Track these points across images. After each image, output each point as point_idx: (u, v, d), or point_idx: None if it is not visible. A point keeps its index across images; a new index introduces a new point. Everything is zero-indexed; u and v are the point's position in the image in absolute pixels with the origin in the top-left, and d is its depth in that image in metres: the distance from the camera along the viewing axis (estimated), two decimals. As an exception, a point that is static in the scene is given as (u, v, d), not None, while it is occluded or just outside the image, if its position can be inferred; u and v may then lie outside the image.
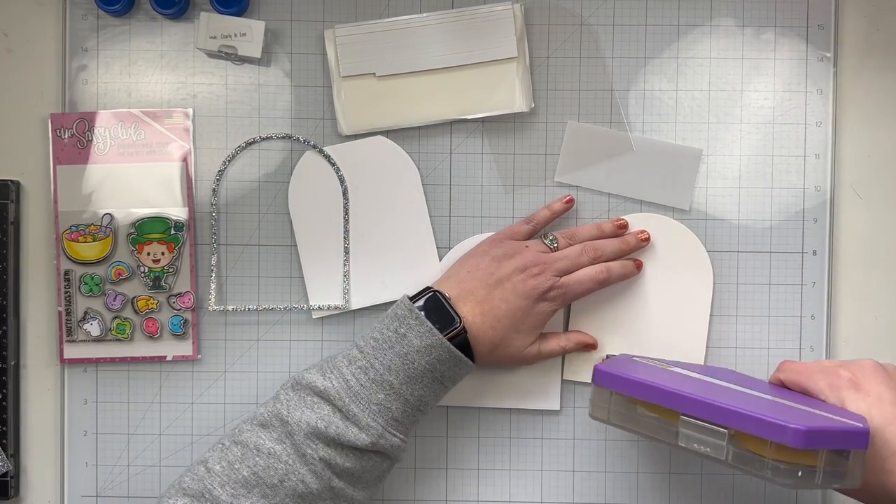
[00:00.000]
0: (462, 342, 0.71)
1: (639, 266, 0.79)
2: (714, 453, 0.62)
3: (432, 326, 0.70)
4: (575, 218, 0.81)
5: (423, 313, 0.70)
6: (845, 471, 0.61)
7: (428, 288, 0.73)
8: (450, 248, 0.81)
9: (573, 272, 0.75)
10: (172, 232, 0.80)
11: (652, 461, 0.81)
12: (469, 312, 0.72)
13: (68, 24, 0.80)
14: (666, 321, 0.80)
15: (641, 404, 0.66)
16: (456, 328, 0.70)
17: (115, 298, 0.79)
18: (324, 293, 0.80)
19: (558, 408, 0.80)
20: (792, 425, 0.58)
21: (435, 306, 0.72)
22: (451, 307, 0.71)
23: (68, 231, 0.79)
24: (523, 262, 0.73)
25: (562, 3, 0.80)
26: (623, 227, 0.79)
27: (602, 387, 0.68)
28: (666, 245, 0.80)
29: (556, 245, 0.76)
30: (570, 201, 0.79)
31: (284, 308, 0.81)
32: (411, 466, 0.81)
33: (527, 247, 0.75)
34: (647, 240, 0.79)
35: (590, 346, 0.79)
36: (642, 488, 0.81)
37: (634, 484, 0.81)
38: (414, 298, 0.72)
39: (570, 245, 0.76)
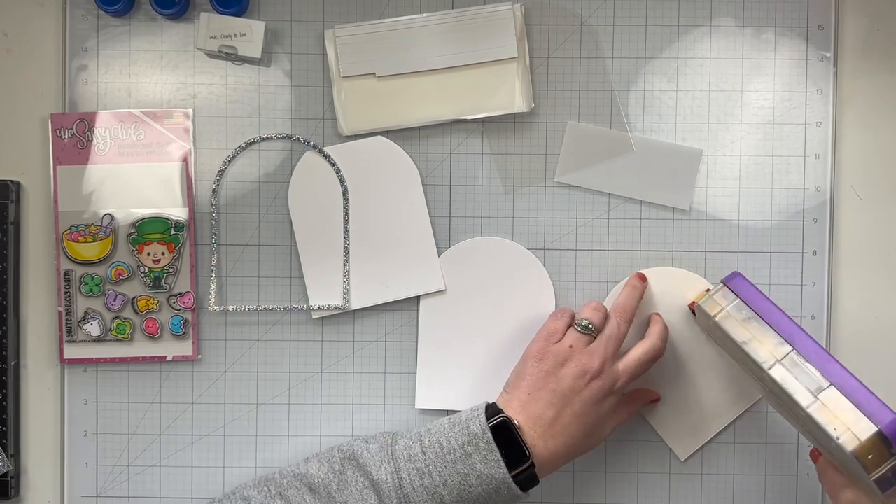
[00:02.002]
0: (528, 477, 0.69)
1: (659, 314, 0.79)
2: (799, 399, 0.64)
3: (500, 458, 0.67)
4: (575, 218, 0.81)
5: (493, 440, 0.68)
6: (893, 489, 0.62)
7: (497, 408, 0.71)
8: (449, 249, 0.81)
9: (625, 354, 0.74)
10: (172, 232, 0.80)
11: (652, 461, 0.81)
12: (539, 441, 0.69)
13: (68, 24, 0.80)
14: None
15: (756, 325, 0.68)
16: (524, 466, 0.68)
17: (116, 298, 0.79)
18: (324, 293, 0.80)
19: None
20: (894, 415, 0.61)
21: (505, 434, 0.69)
22: (521, 439, 0.69)
23: (68, 231, 0.79)
24: (579, 367, 0.71)
25: (562, 3, 0.80)
26: (643, 281, 0.79)
27: (729, 289, 0.70)
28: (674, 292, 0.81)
29: (591, 328, 0.74)
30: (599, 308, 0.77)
31: (284, 308, 0.81)
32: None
33: (570, 346, 0.73)
34: (644, 278, 0.79)
35: (655, 401, 0.79)
36: (642, 488, 0.81)
37: (634, 484, 0.81)
38: (488, 416, 0.69)
39: (602, 317, 0.75)
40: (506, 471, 0.68)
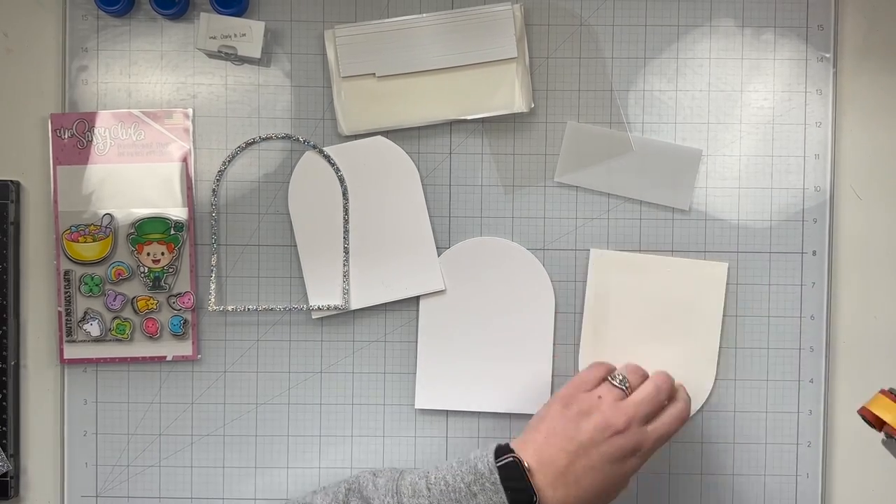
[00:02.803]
0: None
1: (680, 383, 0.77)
2: None
3: (506, 500, 0.65)
4: (575, 218, 0.81)
5: (499, 480, 0.66)
6: None
7: (508, 448, 0.69)
8: (449, 249, 0.81)
9: (656, 418, 0.71)
10: (172, 232, 0.80)
11: (652, 461, 0.81)
12: (549, 488, 0.67)
13: (68, 25, 0.80)
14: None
15: None
16: None
17: (115, 298, 0.79)
18: (324, 293, 0.80)
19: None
20: None
21: (513, 475, 0.66)
22: (530, 481, 0.66)
23: (68, 231, 0.79)
24: (604, 420, 0.68)
25: (562, 3, 0.80)
26: (671, 387, 0.76)
27: None
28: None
29: (627, 385, 0.71)
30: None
31: (284, 308, 0.81)
32: (411, 467, 0.81)
33: (600, 397, 0.70)
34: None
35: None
36: (642, 488, 0.81)
37: (634, 484, 0.81)
38: (497, 455, 0.68)
39: (639, 379, 0.72)
40: None
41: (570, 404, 0.70)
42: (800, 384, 0.81)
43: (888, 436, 0.67)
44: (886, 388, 0.68)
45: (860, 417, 0.70)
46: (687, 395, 0.76)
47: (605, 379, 0.73)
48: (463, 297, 0.80)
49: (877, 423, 0.68)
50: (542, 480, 0.67)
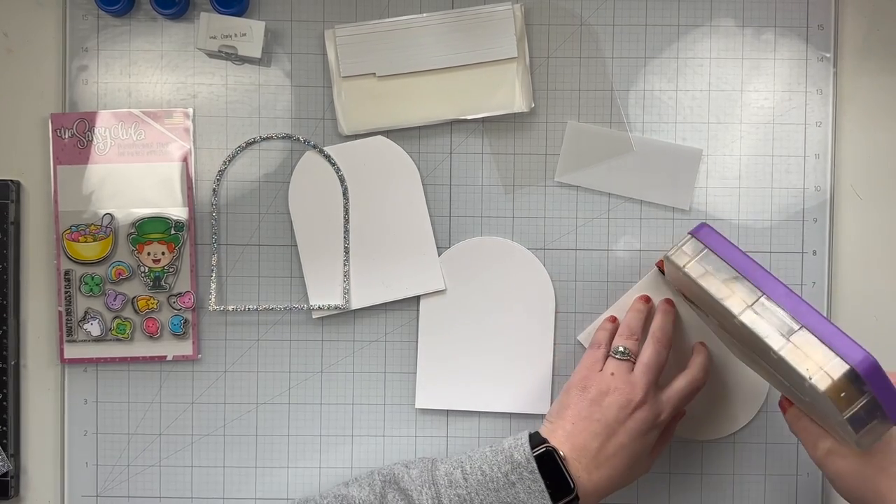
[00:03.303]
0: None
1: (703, 344, 0.79)
2: (771, 342, 0.63)
3: (545, 488, 0.67)
4: (574, 218, 0.81)
5: (537, 469, 0.67)
6: (866, 429, 0.61)
7: (541, 437, 0.70)
8: (449, 249, 0.81)
9: (668, 385, 0.73)
10: (173, 232, 0.80)
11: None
12: (584, 472, 0.69)
13: (68, 25, 0.80)
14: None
15: (725, 272, 0.67)
16: (568, 498, 0.67)
17: (116, 298, 0.79)
18: (324, 293, 0.80)
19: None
20: (865, 352, 0.60)
21: (549, 464, 0.68)
22: (567, 470, 0.68)
23: (68, 231, 0.79)
24: (623, 398, 0.70)
25: (562, 3, 0.80)
26: (649, 301, 0.79)
27: (697, 240, 0.69)
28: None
29: (628, 353, 0.73)
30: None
31: (284, 308, 0.81)
32: (411, 466, 0.81)
33: (612, 374, 0.72)
34: (673, 303, 0.79)
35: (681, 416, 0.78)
36: (642, 488, 0.81)
37: (634, 484, 0.81)
38: (532, 445, 0.69)
39: (636, 343, 0.74)
40: (550, 502, 0.67)
41: (587, 387, 0.72)
42: (800, 384, 0.81)
43: (660, 268, 0.78)
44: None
45: (658, 269, 0.79)
46: (703, 361, 0.76)
47: (608, 356, 0.74)
48: (463, 297, 0.80)
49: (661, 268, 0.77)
50: (577, 467, 0.69)
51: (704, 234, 0.69)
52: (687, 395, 0.74)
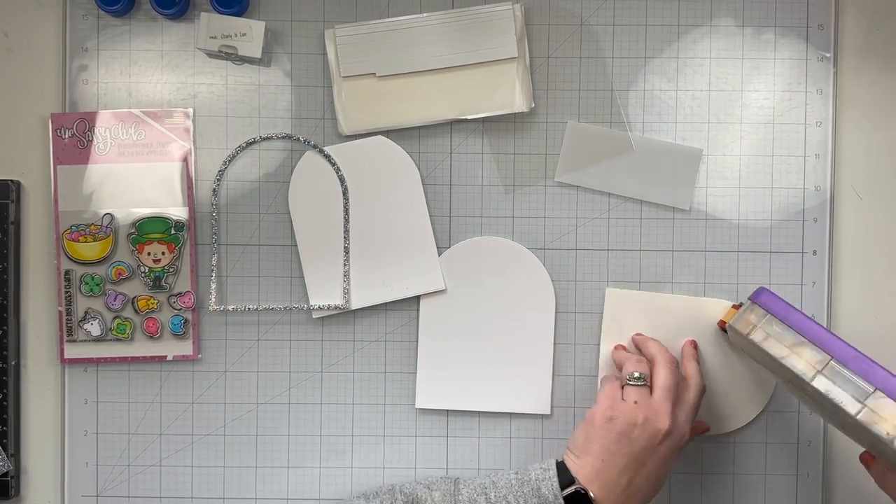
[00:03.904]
0: None
1: (694, 346, 0.79)
2: (847, 408, 0.65)
3: None
4: (575, 218, 0.81)
5: None
6: None
7: (568, 473, 0.69)
8: (449, 249, 0.81)
9: (678, 402, 0.73)
10: (173, 232, 0.80)
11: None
12: None
13: (69, 24, 0.80)
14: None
15: (791, 337, 0.69)
16: None
17: (116, 298, 0.79)
18: (324, 293, 0.80)
19: (549, 412, 0.80)
20: None
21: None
22: None
23: (68, 231, 0.79)
24: (652, 429, 0.70)
25: (562, 3, 0.80)
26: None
27: (758, 306, 0.71)
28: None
29: (644, 378, 0.72)
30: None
31: (284, 308, 0.81)
32: (411, 466, 0.81)
33: (636, 402, 0.71)
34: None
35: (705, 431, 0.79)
36: (642, 488, 0.81)
37: (634, 484, 0.81)
38: (560, 480, 0.69)
39: (647, 366, 0.74)
40: None
41: (613, 418, 0.71)
42: (800, 384, 0.81)
43: (722, 328, 0.78)
44: (737, 304, 0.78)
45: (720, 329, 0.80)
46: (695, 366, 0.76)
47: (624, 385, 0.73)
48: (463, 297, 0.80)
49: (724, 327, 0.77)
50: None
51: (764, 299, 0.71)
52: (697, 406, 0.74)
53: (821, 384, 0.66)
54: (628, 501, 0.69)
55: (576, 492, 0.68)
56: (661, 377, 0.72)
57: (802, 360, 0.68)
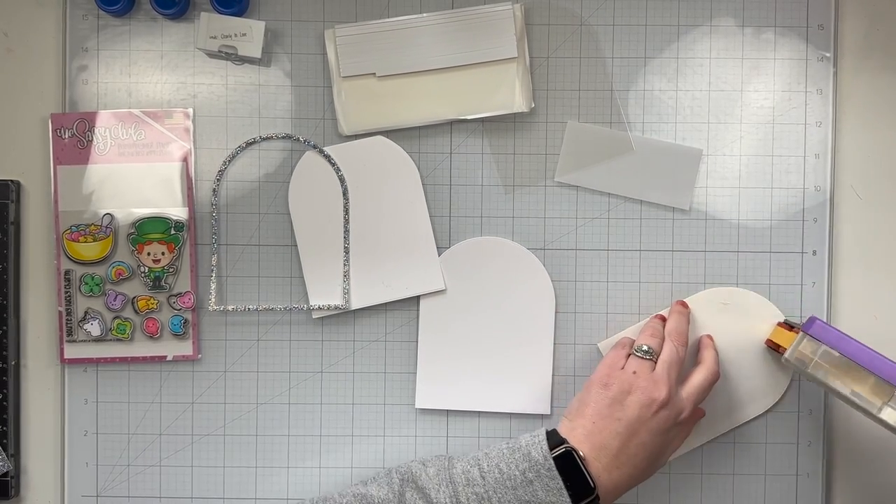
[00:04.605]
0: None
1: (709, 337, 0.79)
2: None
3: (563, 486, 0.66)
4: (575, 218, 0.81)
5: (555, 466, 0.67)
6: None
7: (559, 436, 0.69)
8: (449, 249, 0.81)
9: (686, 381, 0.73)
10: (172, 232, 0.80)
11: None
12: (604, 472, 0.68)
13: (68, 24, 0.80)
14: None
15: (851, 369, 0.70)
16: (589, 498, 0.67)
17: (116, 298, 0.79)
18: (324, 293, 0.80)
19: (549, 412, 0.80)
20: None
21: (569, 464, 0.67)
22: (587, 471, 0.67)
23: (68, 231, 0.79)
24: (646, 397, 0.70)
25: (562, 3, 0.80)
26: (686, 307, 0.79)
27: (813, 338, 0.71)
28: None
29: (651, 352, 0.73)
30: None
31: (284, 308, 0.81)
32: (411, 466, 0.81)
33: (634, 372, 0.71)
34: (686, 304, 0.79)
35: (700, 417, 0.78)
36: (642, 488, 0.81)
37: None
38: (550, 444, 0.68)
39: (659, 343, 0.74)
40: (569, 500, 0.66)
41: (608, 384, 0.71)
42: (800, 384, 0.81)
43: (781, 354, 0.75)
44: (782, 321, 0.78)
45: (768, 348, 0.79)
46: (714, 355, 0.76)
47: (630, 354, 0.74)
48: (463, 297, 0.81)
49: (775, 347, 0.77)
50: (597, 467, 0.68)
51: (817, 330, 0.72)
52: (705, 390, 0.74)
53: (888, 416, 0.68)
54: (622, 468, 0.69)
55: (566, 452, 0.68)
56: (666, 352, 0.73)
57: (867, 392, 0.69)
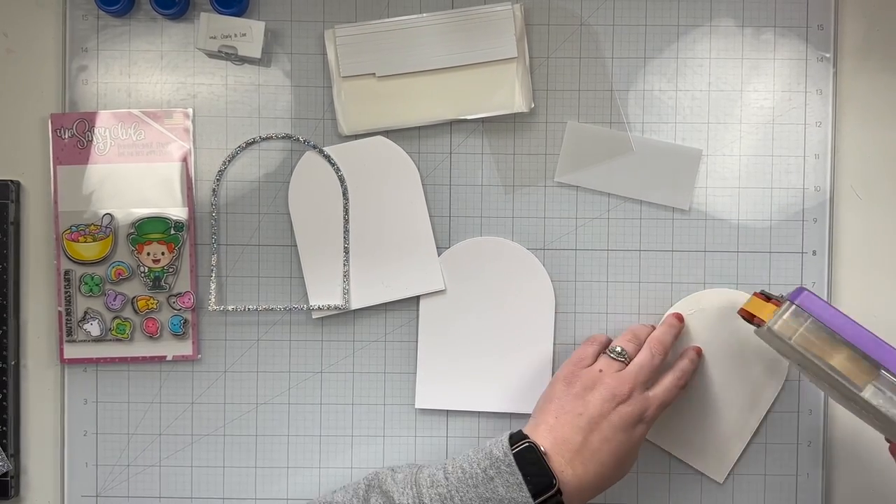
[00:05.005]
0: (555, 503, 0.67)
1: (698, 352, 0.78)
2: None
3: (522, 481, 0.66)
4: (574, 218, 0.81)
5: (514, 462, 0.67)
6: None
7: (522, 434, 0.69)
8: (449, 249, 0.81)
9: (656, 383, 0.73)
10: (172, 232, 0.80)
11: (652, 461, 0.81)
12: (568, 467, 0.68)
13: (68, 25, 0.80)
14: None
15: (836, 344, 0.65)
16: (550, 493, 0.66)
17: (115, 298, 0.79)
18: (324, 293, 0.80)
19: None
20: None
21: (529, 459, 0.67)
22: (547, 464, 0.67)
23: (68, 231, 0.79)
24: (608, 391, 0.70)
25: (562, 3, 0.80)
26: (681, 321, 0.79)
27: (800, 308, 0.66)
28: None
29: (624, 354, 0.73)
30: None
31: (284, 308, 0.81)
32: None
33: (601, 370, 0.72)
34: (681, 318, 0.79)
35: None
36: (642, 488, 0.81)
37: (634, 484, 0.81)
38: (512, 443, 0.68)
39: (636, 348, 0.74)
40: (528, 495, 0.66)
41: (572, 382, 0.72)
42: (800, 384, 0.81)
43: (757, 326, 0.70)
44: (759, 291, 0.72)
45: (741, 318, 0.73)
46: (688, 362, 0.76)
47: (601, 353, 0.74)
48: (463, 297, 0.81)
49: (750, 318, 0.71)
50: (559, 462, 0.68)
51: (805, 300, 0.67)
52: (671, 392, 0.73)
53: (873, 398, 0.64)
54: (587, 465, 0.68)
55: (527, 446, 0.67)
56: (641, 356, 0.73)
57: (852, 370, 0.65)
